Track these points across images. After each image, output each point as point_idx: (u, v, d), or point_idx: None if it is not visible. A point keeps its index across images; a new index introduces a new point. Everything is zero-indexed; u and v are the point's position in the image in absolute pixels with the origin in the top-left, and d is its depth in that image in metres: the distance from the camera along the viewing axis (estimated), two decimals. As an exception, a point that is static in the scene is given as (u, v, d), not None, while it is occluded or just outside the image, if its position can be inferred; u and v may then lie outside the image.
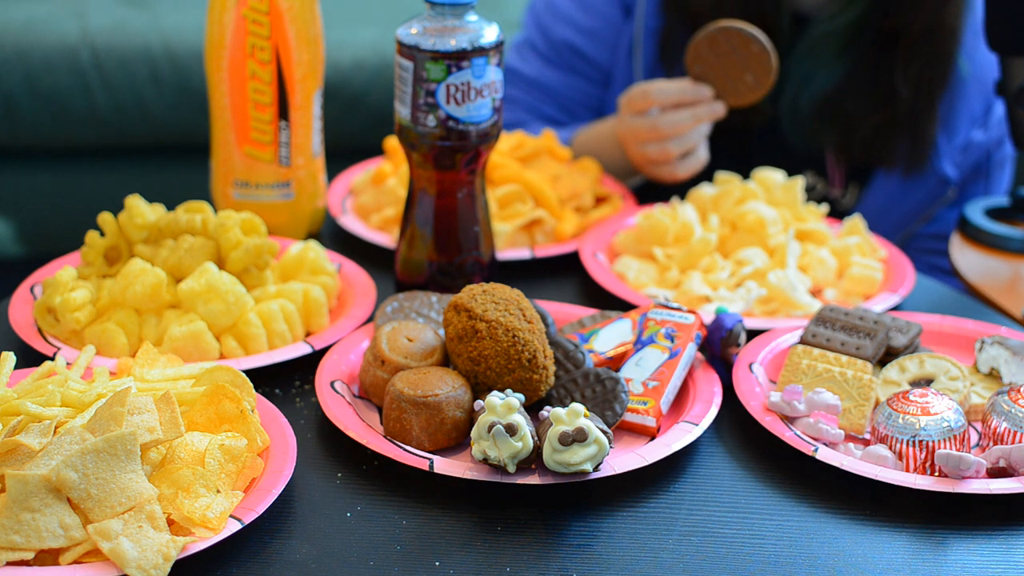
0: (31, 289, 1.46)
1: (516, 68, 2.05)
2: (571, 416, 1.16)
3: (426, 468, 1.18)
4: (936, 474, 1.22)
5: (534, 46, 2.05)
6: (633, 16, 1.96)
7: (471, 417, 1.25)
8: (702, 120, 1.73)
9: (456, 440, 1.24)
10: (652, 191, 1.99)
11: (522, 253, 1.64)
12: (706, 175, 1.85)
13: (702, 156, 1.78)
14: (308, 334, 1.43)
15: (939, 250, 1.98)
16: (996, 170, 2.01)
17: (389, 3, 3.09)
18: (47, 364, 1.25)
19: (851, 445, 1.27)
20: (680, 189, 1.84)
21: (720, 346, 1.36)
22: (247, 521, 1.09)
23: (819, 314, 1.41)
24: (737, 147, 1.99)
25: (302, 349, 1.37)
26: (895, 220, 1.98)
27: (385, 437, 1.23)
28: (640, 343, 1.34)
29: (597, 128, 1.92)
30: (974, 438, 1.30)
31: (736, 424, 1.32)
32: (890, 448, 1.24)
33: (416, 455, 1.20)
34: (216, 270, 1.39)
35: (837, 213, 1.97)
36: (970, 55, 1.91)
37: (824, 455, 1.23)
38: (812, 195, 1.99)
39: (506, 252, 1.63)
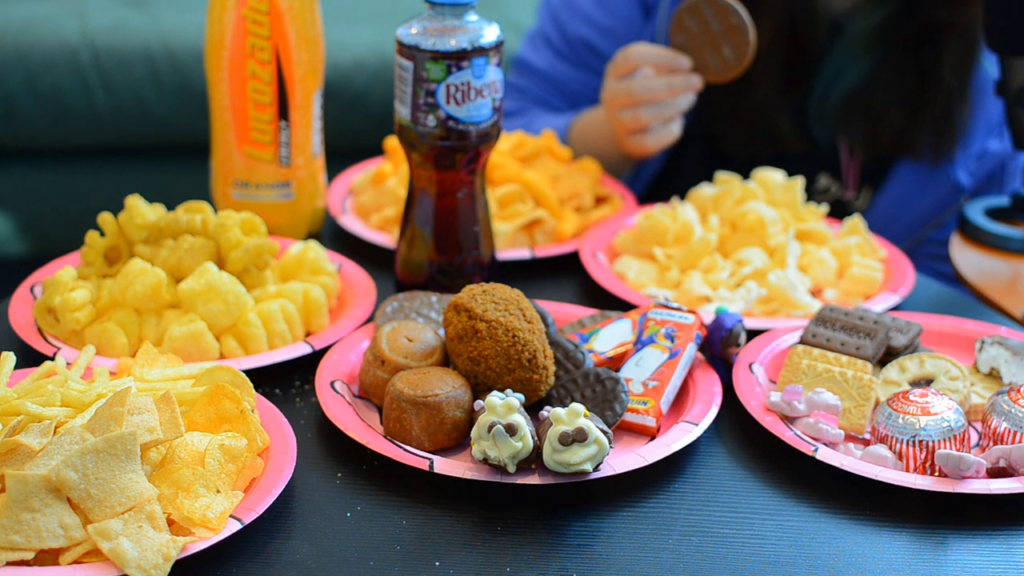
0: (31, 289, 1.46)
1: (527, 59, 2.06)
2: (571, 416, 1.16)
3: (426, 468, 1.18)
4: (936, 474, 1.22)
5: (548, 40, 2.04)
6: (654, 16, 1.96)
7: (471, 417, 1.25)
8: (676, 90, 1.71)
9: (456, 440, 1.24)
10: (652, 191, 1.99)
11: (522, 253, 1.64)
12: (706, 174, 1.85)
13: (673, 131, 1.76)
14: (308, 334, 1.43)
15: (947, 257, 1.98)
16: (1009, 181, 2.01)
17: (389, 3, 3.09)
18: (47, 364, 1.25)
19: (851, 445, 1.27)
20: (680, 189, 1.84)
21: (720, 346, 1.36)
22: (247, 521, 1.09)
23: (819, 314, 1.41)
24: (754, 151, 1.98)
25: (302, 349, 1.37)
26: (907, 224, 1.98)
27: (385, 437, 1.23)
28: (640, 343, 1.34)
29: (595, 112, 1.93)
30: (974, 438, 1.30)
31: (736, 424, 1.32)
32: (890, 448, 1.24)
33: (416, 455, 1.20)
34: (216, 270, 1.39)
35: (849, 215, 1.96)
36: (989, 58, 1.91)
37: (824, 455, 1.23)
38: (826, 197, 1.98)
39: (506, 252, 1.63)
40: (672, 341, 1.33)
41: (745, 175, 1.81)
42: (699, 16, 1.68)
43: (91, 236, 1.46)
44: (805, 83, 1.92)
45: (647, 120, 1.73)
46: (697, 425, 1.26)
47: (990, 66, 1.90)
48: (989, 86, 1.91)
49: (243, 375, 1.21)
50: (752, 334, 1.45)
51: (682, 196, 1.78)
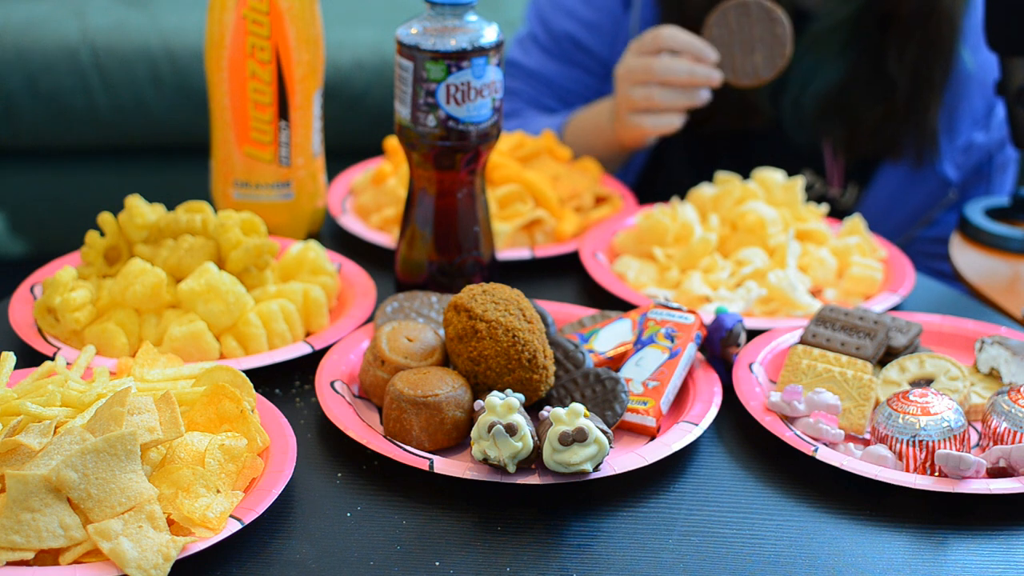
0: (31, 289, 1.46)
1: (518, 60, 2.06)
2: (571, 416, 1.16)
3: (426, 468, 1.18)
4: (936, 474, 1.22)
5: (536, 39, 2.06)
6: (631, 9, 1.97)
7: (471, 417, 1.25)
8: (695, 79, 1.71)
9: (456, 440, 1.24)
10: (652, 191, 1.99)
11: (522, 253, 1.64)
12: (706, 175, 1.85)
13: (675, 122, 1.75)
14: (308, 334, 1.43)
15: (939, 254, 1.98)
16: (997, 174, 2.01)
17: (389, 3, 3.09)
18: (47, 364, 1.25)
19: (851, 445, 1.27)
20: (680, 189, 1.84)
21: (720, 346, 1.36)
22: (247, 521, 1.09)
23: (819, 314, 1.41)
24: (737, 149, 1.99)
25: (302, 349, 1.37)
26: (896, 222, 1.98)
27: (385, 437, 1.23)
28: (640, 343, 1.34)
29: (593, 106, 1.93)
30: (974, 438, 1.30)
31: (736, 424, 1.32)
32: (890, 448, 1.24)
33: (416, 455, 1.20)
34: (216, 270, 1.39)
35: (836, 213, 1.97)
36: (973, 50, 1.90)
37: (824, 455, 1.23)
38: (810, 194, 1.99)
39: (506, 252, 1.63)
40: (672, 341, 1.33)
41: (730, 165, 1.81)
42: (746, 16, 1.70)
43: (91, 236, 1.46)
44: None
45: (658, 101, 1.72)
46: (697, 425, 1.26)
47: (969, 57, 1.90)
48: (971, 77, 1.91)
49: (243, 375, 1.21)
50: (752, 334, 1.45)
51: (668, 185, 1.78)
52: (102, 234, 1.47)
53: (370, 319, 1.45)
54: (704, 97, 1.74)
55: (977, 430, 1.31)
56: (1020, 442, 1.23)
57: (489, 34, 1.39)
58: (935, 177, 1.95)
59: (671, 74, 1.71)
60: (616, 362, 1.34)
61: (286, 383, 1.36)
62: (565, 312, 1.45)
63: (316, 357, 1.38)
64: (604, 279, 1.55)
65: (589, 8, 2.00)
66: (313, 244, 1.50)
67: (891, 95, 1.89)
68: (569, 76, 2.04)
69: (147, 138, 2.97)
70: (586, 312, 1.45)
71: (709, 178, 1.80)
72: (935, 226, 2.00)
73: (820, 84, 1.91)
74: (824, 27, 1.89)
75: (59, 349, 1.34)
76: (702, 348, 1.37)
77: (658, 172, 2.04)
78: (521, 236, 1.68)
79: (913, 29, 1.86)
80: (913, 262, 1.89)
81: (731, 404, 1.33)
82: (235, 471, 1.13)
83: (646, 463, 1.20)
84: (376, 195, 1.72)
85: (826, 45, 1.90)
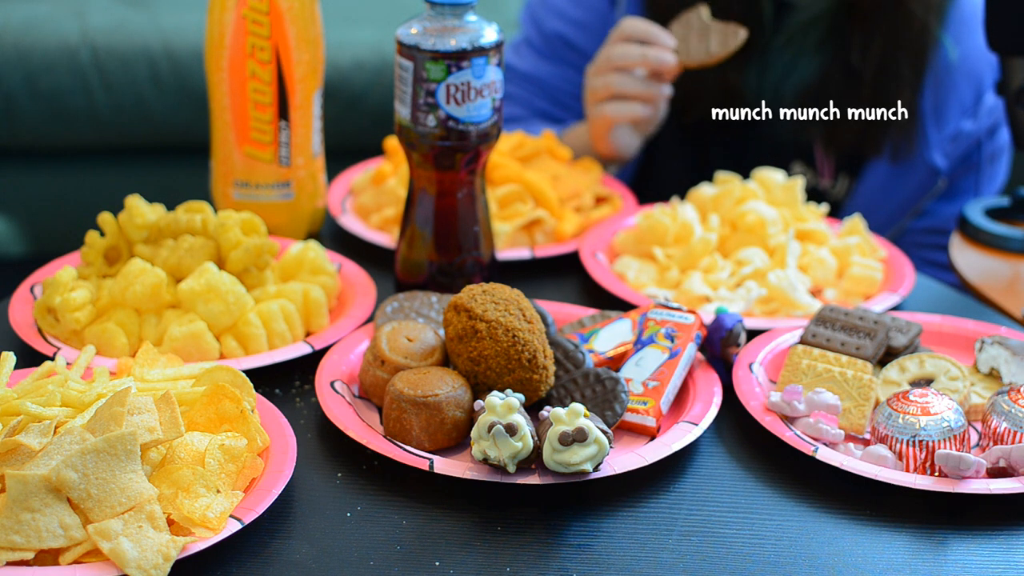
0: (31, 289, 1.46)
1: (512, 64, 2.09)
2: (571, 416, 1.16)
3: (426, 468, 1.18)
4: (936, 474, 1.22)
5: (530, 42, 2.08)
6: (617, 6, 1.99)
7: (471, 417, 1.25)
8: (648, 60, 1.74)
9: (456, 440, 1.24)
10: (652, 191, 1.99)
11: (522, 253, 1.64)
12: (698, 169, 1.85)
13: (637, 110, 1.78)
14: (308, 334, 1.44)
15: (932, 244, 1.98)
16: (987, 164, 2.01)
17: (389, 3, 3.09)
18: (47, 364, 1.25)
19: (851, 445, 1.27)
20: (680, 189, 1.84)
21: (720, 346, 1.36)
22: (247, 521, 1.09)
23: (819, 314, 1.41)
24: (728, 141, 1.99)
25: (302, 349, 1.37)
26: (887, 212, 1.98)
27: (385, 437, 1.23)
28: (640, 343, 1.34)
29: (577, 124, 1.95)
30: (974, 438, 1.30)
31: (736, 424, 1.32)
32: (890, 448, 1.24)
33: (416, 455, 1.20)
34: (216, 270, 1.39)
35: (828, 205, 1.97)
36: (956, 40, 1.90)
37: (824, 455, 1.23)
38: None
39: (506, 252, 1.63)
40: (672, 341, 1.33)
41: (722, 158, 1.81)
42: (702, 20, 1.74)
43: (91, 236, 1.46)
44: (752, 50, 1.93)
45: (616, 88, 1.76)
46: (697, 425, 1.26)
47: (952, 47, 1.90)
48: (956, 67, 1.91)
49: (243, 375, 1.21)
50: (752, 334, 1.45)
51: (662, 183, 1.78)
52: (102, 234, 1.47)
53: (370, 319, 1.45)
54: (665, 91, 1.77)
55: (977, 430, 1.31)
56: (1020, 442, 1.23)
57: (489, 34, 1.39)
58: (924, 167, 1.96)
59: (625, 59, 1.75)
60: (616, 362, 1.34)
61: (286, 383, 1.36)
62: (565, 312, 1.45)
63: (316, 357, 1.38)
64: (604, 279, 1.55)
65: (578, 8, 2.03)
66: (313, 244, 1.50)
67: (871, 94, 1.89)
68: (561, 76, 2.05)
69: (147, 138, 2.97)
70: (586, 312, 1.45)
71: (702, 173, 1.80)
72: (926, 216, 2.01)
73: (798, 79, 1.92)
74: (803, 20, 1.89)
75: (59, 349, 1.34)
76: (702, 348, 1.37)
77: (650, 169, 2.05)
78: (521, 236, 1.68)
79: (876, 24, 1.86)
80: (906, 253, 1.89)
81: (731, 404, 1.33)
82: (235, 471, 1.13)
83: (646, 463, 1.20)
84: (376, 195, 1.72)
85: (804, 39, 1.90)
